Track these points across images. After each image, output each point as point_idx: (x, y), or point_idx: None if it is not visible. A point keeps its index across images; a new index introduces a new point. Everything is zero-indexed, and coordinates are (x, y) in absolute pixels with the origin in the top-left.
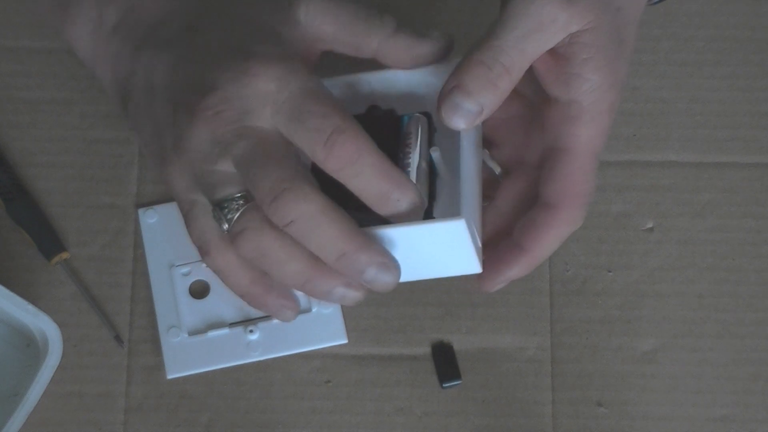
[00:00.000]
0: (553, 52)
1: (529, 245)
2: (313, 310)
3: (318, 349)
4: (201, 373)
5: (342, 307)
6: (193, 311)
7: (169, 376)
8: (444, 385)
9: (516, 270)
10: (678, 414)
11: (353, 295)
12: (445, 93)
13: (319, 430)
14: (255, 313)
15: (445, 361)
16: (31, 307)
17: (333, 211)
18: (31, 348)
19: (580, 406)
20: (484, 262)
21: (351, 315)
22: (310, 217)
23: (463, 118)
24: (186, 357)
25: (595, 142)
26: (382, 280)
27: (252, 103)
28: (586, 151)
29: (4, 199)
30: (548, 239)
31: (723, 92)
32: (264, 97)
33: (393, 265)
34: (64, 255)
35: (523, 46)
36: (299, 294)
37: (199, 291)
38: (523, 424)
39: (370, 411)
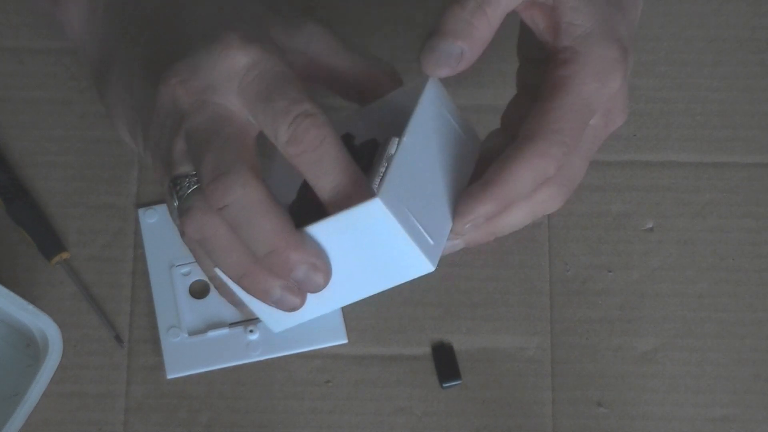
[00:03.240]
0: (542, 7)
1: (496, 177)
2: None
3: (318, 349)
4: (201, 373)
5: (342, 307)
6: (193, 311)
7: (169, 376)
8: (444, 385)
9: (484, 205)
10: (678, 414)
11: (291, 300)
12: (424, 41)
13: (319, 430)
14: None
15: (445, 361)
16: (31, 307)
17: (269, 204)
18: (31, 348)
19: (580, 406)
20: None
21: (351, 315)
22: (244, 205)
23: (443, 62)
24: (186, 357)
25: (588, 88)
26: (312, 280)
27: (219, 76)
28: (574, 93)
29: (4, 199)
30: (514, 169)
31: (723, 92)
32: (232, 73)
33: (323, 266)
34: (64, 255)
35: None
36: None
37: (199, 291)
38: (523, 424)
39: (370, 411)
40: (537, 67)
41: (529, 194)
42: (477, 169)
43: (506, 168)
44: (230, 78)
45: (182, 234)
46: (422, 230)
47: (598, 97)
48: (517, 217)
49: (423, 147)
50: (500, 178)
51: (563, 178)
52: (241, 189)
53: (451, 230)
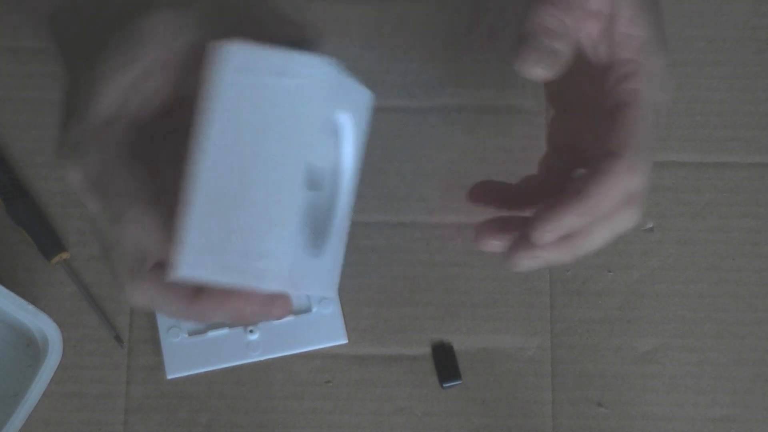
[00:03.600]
0: (598, 16)
1: (587, 189)
2: (314, 310)
3: (318, 349)
4: (201, 373)
5: (342, 307)
6: None
7: (169, 376)
8: (444, 385)
9: (571, 216)
10: (678, 414)
11: (275, 314)
12: (522, 37)
13: (319, 430)
14: None
15: (445, 361)
16: (31, 307)
17: (166, 295)
18: (31, 348)
19: (580, 406)
20: (541, 209)
21: (351, 315)
22: (154, 305)
23: (544, 62)
24: (186, 357)
25: (654, 96)
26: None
27: (74, 185)
28: (646, 104)
29: (4, 199)
30: (608, 184)
31: (723, 92)
32: (76, 190)
33: (247, 300)
34: (64, 255)
35: None
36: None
37: None
38: (523, 424)
39: (370, 411)
40: (569, 80)
41: (612, 211)
42: (538, 196)
43: (597, 182)
44: (80, 193)
45: None
46: (244, 255)
47: (664, 105)
48: (599, 236)
49: (228, 147)
50: (591, 191)
51: (641, 194)
52: (140, 297)
53: (532, 240)
